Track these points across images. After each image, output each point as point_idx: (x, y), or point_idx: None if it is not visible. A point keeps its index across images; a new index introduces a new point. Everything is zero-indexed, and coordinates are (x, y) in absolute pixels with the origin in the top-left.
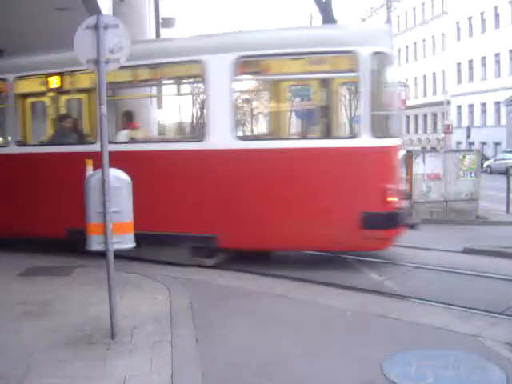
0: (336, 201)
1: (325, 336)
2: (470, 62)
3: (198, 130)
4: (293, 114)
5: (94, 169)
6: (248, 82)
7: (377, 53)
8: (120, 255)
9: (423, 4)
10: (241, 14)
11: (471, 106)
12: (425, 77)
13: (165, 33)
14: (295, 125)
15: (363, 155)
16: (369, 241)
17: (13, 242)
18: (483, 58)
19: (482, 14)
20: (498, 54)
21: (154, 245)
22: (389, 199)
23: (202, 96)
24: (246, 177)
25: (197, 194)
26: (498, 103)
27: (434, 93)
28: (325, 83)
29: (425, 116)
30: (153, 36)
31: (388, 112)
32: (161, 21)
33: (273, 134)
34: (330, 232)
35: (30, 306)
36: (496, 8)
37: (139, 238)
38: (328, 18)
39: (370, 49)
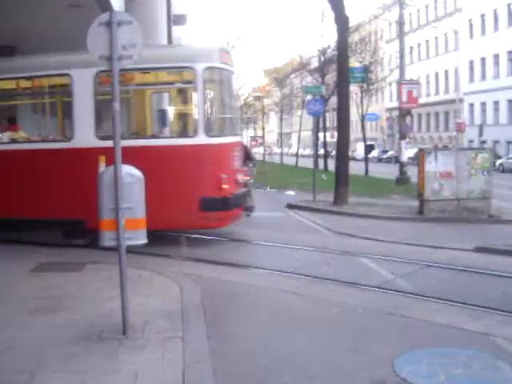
0: (181, 188)
1: (336, 333)
2: (483, 59)
3: (68, 131)
4: (152, 116)
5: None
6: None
7: (210, 67)
8: (132, 251)
9: (436, 1)
10: (252, 10)
11: (484, 104)
12: (437, 75)
13: (177, 30)
14: (152, 126)
15: (200, 151)
16: (207, 220)
17: (23, 238)
18: (496, 56)
19: (494, 11)
20: (511, 52)
21: (32, 229)
22: (223, 186)
23: (70, 103)
24: None
25: (67, 185)
26: (510, 101)
27: (446, 91)
28: (178, 91)
29: (437, 114)
30: (164, 33)
31: (221, 116)
32: (172, 18)
33: (134, 134)
34: (177, 214)
35: (42, 302)
36: (509, 5)
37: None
38: (340, 16)
39: (203, 65)
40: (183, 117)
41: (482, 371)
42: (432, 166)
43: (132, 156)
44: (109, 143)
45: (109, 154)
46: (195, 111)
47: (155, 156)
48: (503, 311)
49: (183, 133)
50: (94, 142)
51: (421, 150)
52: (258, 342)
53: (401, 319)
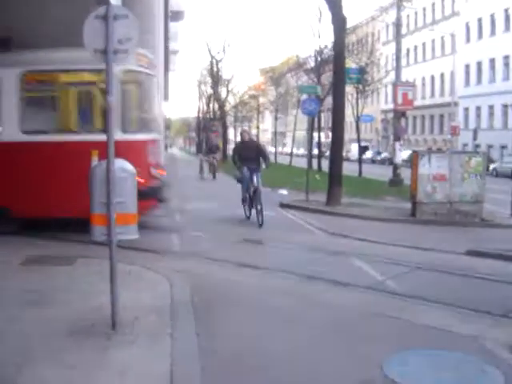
0: None
1: (326, 333)
2: (479, 63)
3: None
4: (75, 114)
5: None
6: (40, 88)
7: (127, 70)
8: (123, 246)
9: (433, 4)
10: (250, 8)
11: (478, 108)
12: (433, 78)
13: (174, 26)
14: (75, 122)
15: (116, 146)
16: None
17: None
18: (492, 61)
19: (492, 15)
20: (507, 57)
21: None
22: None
23: None
24: (32, 162)
25: None
26: (505, 106)
27: (442, 94)
28: (101, 91)
29: (432, 117)
30: (161, 29)
31: (137, 114)
32: (170, 14)
33: (55, 130)
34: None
35: (32, 295)
36: (506, 10)
37: None
38: (337, 16)
39: (120, 67)
40: (103, 115)
41: (470, 374)
42: (425, 168)
43: (58, 149)
44: (32, 137)
45: (32, 146)
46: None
47: (78, 150)
48: (493, 314)
49: (102, 129)
50: (19, 137)
51: (415, 152)
52: (247, 341)
53: (390, 320)
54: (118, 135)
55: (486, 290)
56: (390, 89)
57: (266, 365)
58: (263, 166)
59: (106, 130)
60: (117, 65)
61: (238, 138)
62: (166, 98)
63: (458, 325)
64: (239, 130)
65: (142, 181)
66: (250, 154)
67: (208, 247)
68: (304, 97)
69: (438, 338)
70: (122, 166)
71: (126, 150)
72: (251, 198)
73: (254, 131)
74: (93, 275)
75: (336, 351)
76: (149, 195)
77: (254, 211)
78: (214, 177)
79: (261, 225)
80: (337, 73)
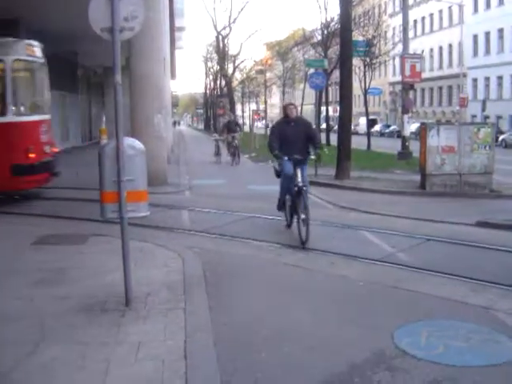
0: None
1: (337, 305)
2: (487, 34)
3: None
4: None
5: None
6: None
7: (17, 60)
8: (134, 224)
9: None
10: None
11: (487, 79)
12: (441, 49)
13: (180, 2)
14: None
15: (10, 127)
16: (19, 183)
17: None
18: (500, 31)
19: None
20: None
21: None
22: (30, 155)
23: None
24: None
25: None
26: None
27: (450, 65)
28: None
29: (440, 89)
30: (166, 5)
31: (29, 98)
32: None
33: None
34: None
35: (45, 274)
36: None
37: None
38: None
39: (12, 57)
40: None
41: (482, 344)
42: (434, 140)
43: None
44: None
45: None
46: (6, 95)
47: None
48: (504, 285)
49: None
50: None
51: (423, 124)
52: (260, 313)
53: (401, 292)
54: (11, 118)
55: (497, 261)
56: (397, 61)
57: (278, 337)
58: (311, 155)
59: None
60: (6, 55)
61: (246, 113)
62: (172, 75)
63: (469, 295)
64: (247, 106)
65: (35, 157)
66: (295, 139)
67: (216, 223)
68: (311, 71)
69: (450, 308)
70: (131, 143)
71: (19, 130)
72: (294, 201)
73: (261, 106)
74: (104, 253)
75: (348, 322)
76: (42, 169)
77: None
78: (237, 162)
79: (304, 242)
80: (344, 46)
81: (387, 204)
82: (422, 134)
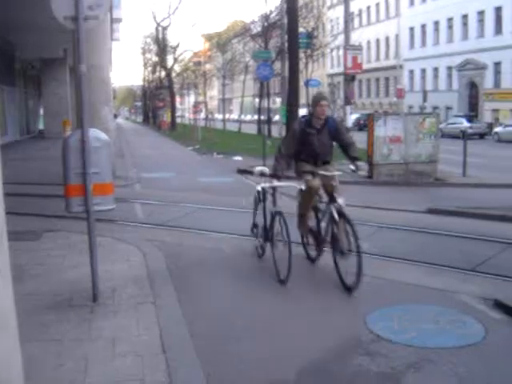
0: None
1: (306, 293)
2: (423, 26)
3: None
4: None
5: None
6: None
7: None
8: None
9: None
10: None
11: (423, 70)
12: (378, 41)
13: None
14: None
15: None
16: None
17: None
18: (436, 23)
19: None
20: (450, 19)
21: None
22: None
23: None
24: None
25: None
26: (450, 68)
27: (387, 57)
28: None
29: (377, 80)
30: None
31: None
32: None
33: None
34: None
35: None
36: None
37: None
38: None
39: None
40: None
41: (450, 326)
42: (381, 130)
43: None
44: None
45: None
46: None
47: None
48: (464, 269)
49: None
50: None
51: (370, 115)
52: (230, 304)
53: (368, 279)
54: None
55: (451, 246)
56: (335, 53)
57: (252, 326)
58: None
59: None
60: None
61: (186, 105)
62: (110, 67)
63: (432, 280)
64: (187, 99)
65: None
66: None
67: (171, 216)
68: (252, 62)
69: (416, 293)
70: (97, 135)
71: None
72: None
73: (201, 98)
74: (62, 249)
75: (320, 309)
76: None
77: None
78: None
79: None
80: (291, 38)
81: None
82: (369, 124)
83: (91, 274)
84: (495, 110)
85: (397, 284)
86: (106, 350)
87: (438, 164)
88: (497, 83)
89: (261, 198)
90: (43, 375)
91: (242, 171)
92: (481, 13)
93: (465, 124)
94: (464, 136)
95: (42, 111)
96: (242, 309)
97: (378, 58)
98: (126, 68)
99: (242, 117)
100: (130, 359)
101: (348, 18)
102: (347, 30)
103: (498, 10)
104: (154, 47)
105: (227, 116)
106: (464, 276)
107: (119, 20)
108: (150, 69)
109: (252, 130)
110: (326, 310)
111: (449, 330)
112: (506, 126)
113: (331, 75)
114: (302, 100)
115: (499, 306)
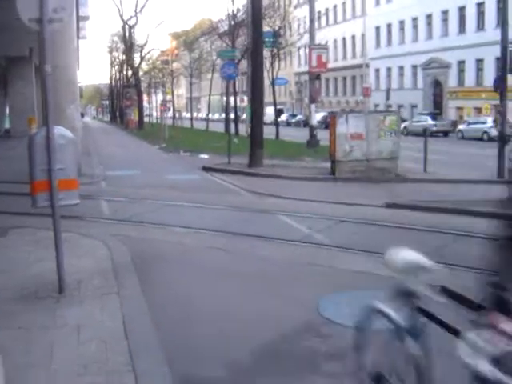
0: None
1: (262, 283)
2: (389, 26)
3: None
4: None
5: None
6: None
7: None
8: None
9: None
10: None
11: (389, 69)
12: (344, 40)
13: None
14: None
15: None
16: None
17: None
18: (401, 22)
19: None
20: (415, 19)
21: None
22: None
23: None
24: None
25: None
26: (415, 67)
27: (354, 56)
28: None
29: (344, 79)
30: None
31: None
32: None
33: None
34: None
35: None
36: None
37: None
38: None
39: None
40: None
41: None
42: (343, 128)
43: None
44: None
45: None
46: None
47: None
48: None
49: None
50: None
51: (332, 113)
52: (191, 294)
53: (321, 268)
54: None
55: (405, 238)
56: (302, 52)
57: (211, 314)
58: None
59: None
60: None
61: (153, 104)
62: (77, 66)
63: (382, 268)
64: (154, 97)
65: None
66: None
67: (136, 211)
68: (219, 61)
69: (366, 280)
70: (62, 133)
71: None
72: None
73: (168, 97)
74: (28, 245)
75: (274, 297)
76: None
77: None
78: None
79: None
80: (255, 37)
81: (301, 189)
82: (331, 122)
83: (57, 267)
84: (459, 108)
85: (348, 272)
86: (71, 336)
87: (398, 160)
88: (461, 82)
89: None
90: (12, 361)
91: (207, 169)
92: (445, 12)
93: (429, 122)
94: (425, 133)
95: (7, 110)
96: (201, 299)
97: (344, 57)
98: (93, 66)
99: (210, 115)
100: (94, 345)
101: (313, 17)
102: (312, 30)
103: (462, 9)
104: (121, 46)
105: (196, 115)
106: None
107: (86, 18)
108: (117, 67)
109: (220, 128)
110: (280, 296)
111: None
112: (470, 123)
113: (298, 74)
114: (270, 98)
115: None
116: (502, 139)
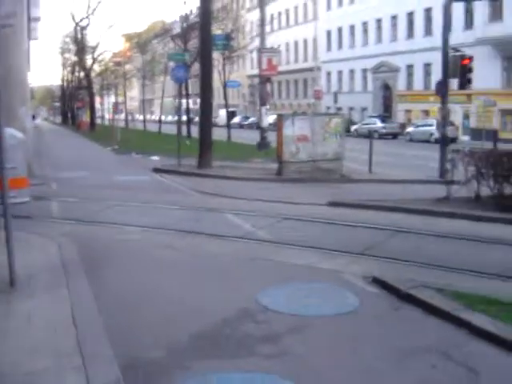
0: None
1: (206, 276)
2: (340, 30)
3: None
4: None
5: None
6: None
7: None
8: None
9: None
10: None
11: (340, 72)
12: (296, 43)
13: None
14: None
15: None
16: None
17: None
18: (352, 27)
19: None
20: (365, 23)
21: None
22: None
23: None
24: None
25: None
26: (365, 70)
27: (305, 59)
28: None
29: (296, 82)
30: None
31: None
32: None
33: None
34: None
35: None
36: None
37: None
38: None
39: None
40: None
41: (332, 298)
42: (289, 130)
43: None
44: None
45: None
46: None
47: None
48: (352, 253)
49: None
50: None
51: (279, 115)
52: (137, 287)
53: (263, 262)
54: None
55: (345, 234)
56: (255, 55)
57: (155, 303)
58: None
59: None
60: None
61: (106, 106)
62: (28, 67)
63: (322, 262)
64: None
65: None
66: None
67: (85, 212)
68: (171, 64)
69: (306, 273)
70: (13, 133)
71: None
72: None
73: (120, 99)
74: None
75: (217, 290)
76: None
77: None
78: None
79: None
80: (204, 41)
81: (247, 189)
82: (278, 124)
83: (8, 261)
84: (408, 111)
85: (289, 265)
86: (22, 325)
87: (343, 161)
88: (409, 85)
89: None
90: None
91: (157, 170)
92: (394, 17)
93: (378, 124)
94: (370, 135)
95: None
96: (147, 291)
97: (296, 60)
98: (44, 67)
99: (164, 117)
100: (44, 332)
101: (263, 21)
102: (263, 33)
103: (410, 15)
104: (73, 47)
105: (149, 117)
106: (351, 259)
107: (38, 19)
108: (69, 69)
109: (172, 130)
110: (222, 288)
111: (328, 302)
112: (418, 126)
113: (251, 76)
114: (221, 101)
115: (376, 281)
116: (444, 141)
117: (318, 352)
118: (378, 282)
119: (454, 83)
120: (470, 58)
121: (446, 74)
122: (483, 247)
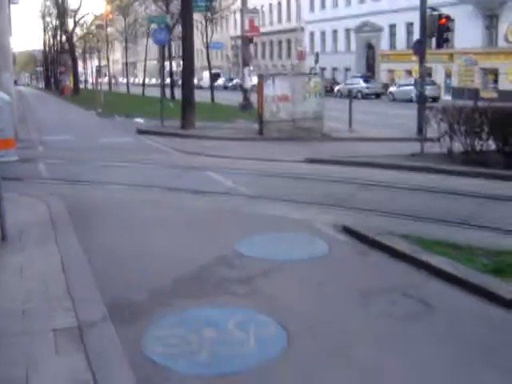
0: None
1: (187, 229)
2: None
3: None
4: None
5: None
6: None
7: None
8: None
9: None
10: None
11: (323, 33)
12: (279, 4)
13: None
14: None
15: None
16: None
17: None
18: None
19: None
20: None
21: None
22: None
23: None
24: None
25: None
26: (348, 30)
27: (289, 20)
28: None
29: (279, 42)
30: None
31: None
32: None
33: None
34: None
35: None
36: None
37: None
38: None
39: None
40: None
41: (302, 245)
42: (270, 90)
43: None
44: None
45: None
46: None
47: None
48: (323, 204)
49: None
50: None
51: (260, 75)
52: (122, 239)
53: (242, 215)
54: None
55: (320, 188)
56: (238, 16)
57: (139, 253)
58: None
59: None
60: None
61: (89, 70)
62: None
63: (294, 213)
64: (89, 63)
65: None
66: None
67: (71, 172)
68: (154, 26)
69: (281, 223)
70: None
71: None
72: None
73: (104, 62)
74: None
75: (196, 239)
76: None
77: None
78: None
79: None
80: (184, 1)
81: (229, 149)
82: (259, 85)
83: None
84: (391, 71)
85: (266, 217)
86: (14, 276)
87: (324, 120)
88: (392, 45)
89: None
90: None
91: (141, 132)
92: None
93: (362, 84)
94: (350, 95)
95: None
96: (132, 242)
97: (279, 21)
98: (26, 32)
99: (147, 80)
100: (36, 281)
101: None
102: None
103: None
104: (53, 10)
105: (132, 80)
106: (322, 210)
107: None
108: (50, 33)
109: (156, 93)
110: (203, 238)
111: (300, 248)
112: (400, 85)
113: (234, 38)
114: (205, 63)
115: (346, 230)
116: (421, 100)
117: (287, 292)
118: (348, 231)
119: (433, 42)
120: (447, 18)
121: (424, 33)
122: (451, 199)
